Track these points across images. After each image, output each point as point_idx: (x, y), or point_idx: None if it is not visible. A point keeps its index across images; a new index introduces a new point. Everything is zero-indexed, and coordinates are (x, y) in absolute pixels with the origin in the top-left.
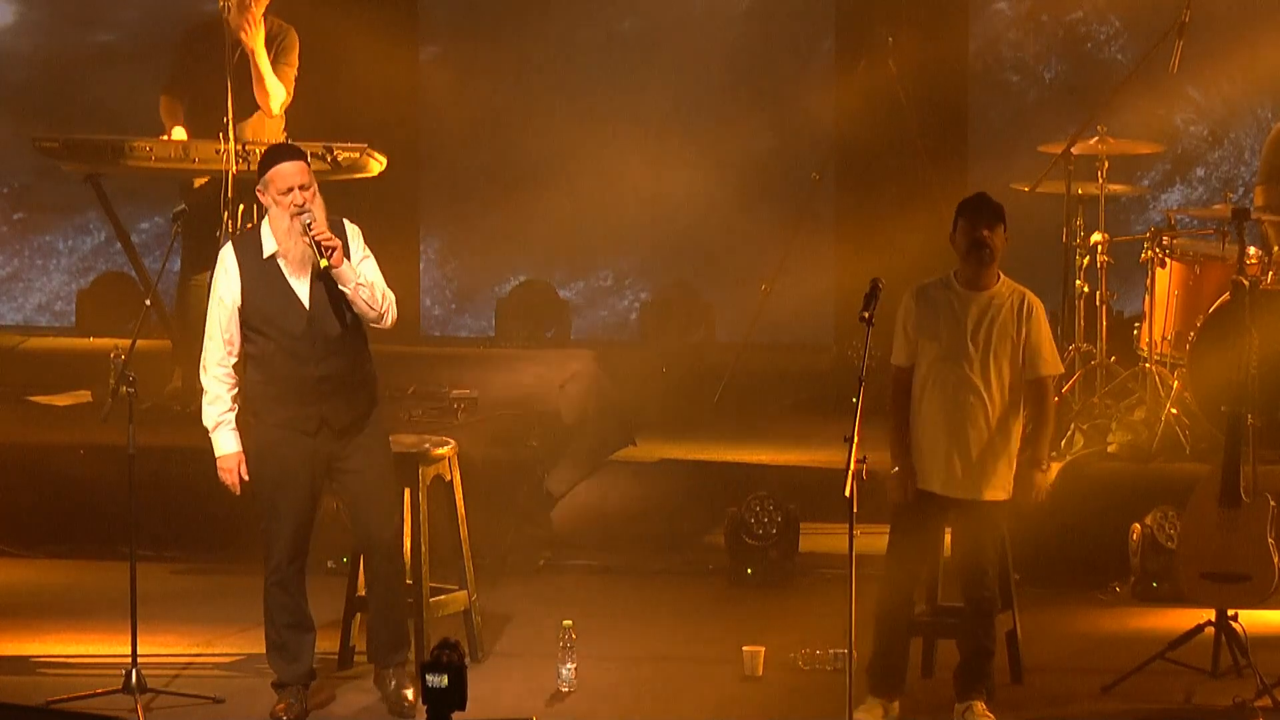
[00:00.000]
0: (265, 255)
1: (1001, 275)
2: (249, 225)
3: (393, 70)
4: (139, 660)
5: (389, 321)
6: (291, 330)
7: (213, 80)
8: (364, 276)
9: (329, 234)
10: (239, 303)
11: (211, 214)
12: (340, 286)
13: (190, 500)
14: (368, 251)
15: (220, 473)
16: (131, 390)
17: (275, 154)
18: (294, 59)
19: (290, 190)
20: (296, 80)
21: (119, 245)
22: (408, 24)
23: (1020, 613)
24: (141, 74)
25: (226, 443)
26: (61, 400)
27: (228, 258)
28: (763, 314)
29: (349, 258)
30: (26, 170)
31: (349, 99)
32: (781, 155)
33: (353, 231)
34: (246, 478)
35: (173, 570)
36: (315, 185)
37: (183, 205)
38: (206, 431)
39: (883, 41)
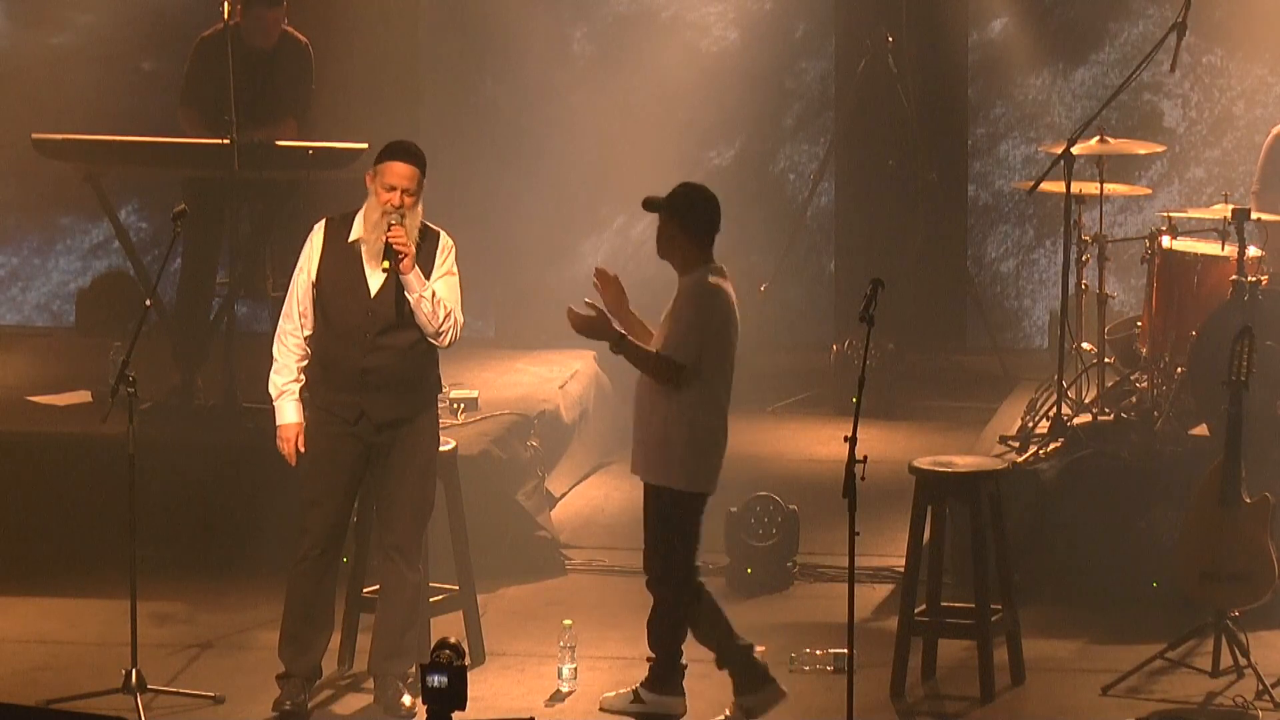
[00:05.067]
0: (351, 239)
1: (701, 263)
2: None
3: (393, 70)
4: (139, 660)
5: (445, 341)
6: (352, 315)
7: (226, 87)
8: (430, 290)
9: (405, 241)
10: (314, 277)
11: (213, 214)
12: (405, 292)
13: (191, 499)
14: (452, 269)
15: (279, 442)
16: (131, 390)
17: (396, 150)
18: (308, 80)
19: (394, 189)
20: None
21: (118, 244)
22: (409, 23)
23: (1020, 612)
24: (109, 75)
25: (288, 412)
26: (61, 400)
27: (316, 233)
28: (762, 314)
29: (429, 269)
30: (25, 169)
31: (349, 98)
32: (781, 154)
33: (444, 245)
34: (304, 449)
35: (173, 570)
36: (420, 194)
37: (183, 205)
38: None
39: (882, 41)
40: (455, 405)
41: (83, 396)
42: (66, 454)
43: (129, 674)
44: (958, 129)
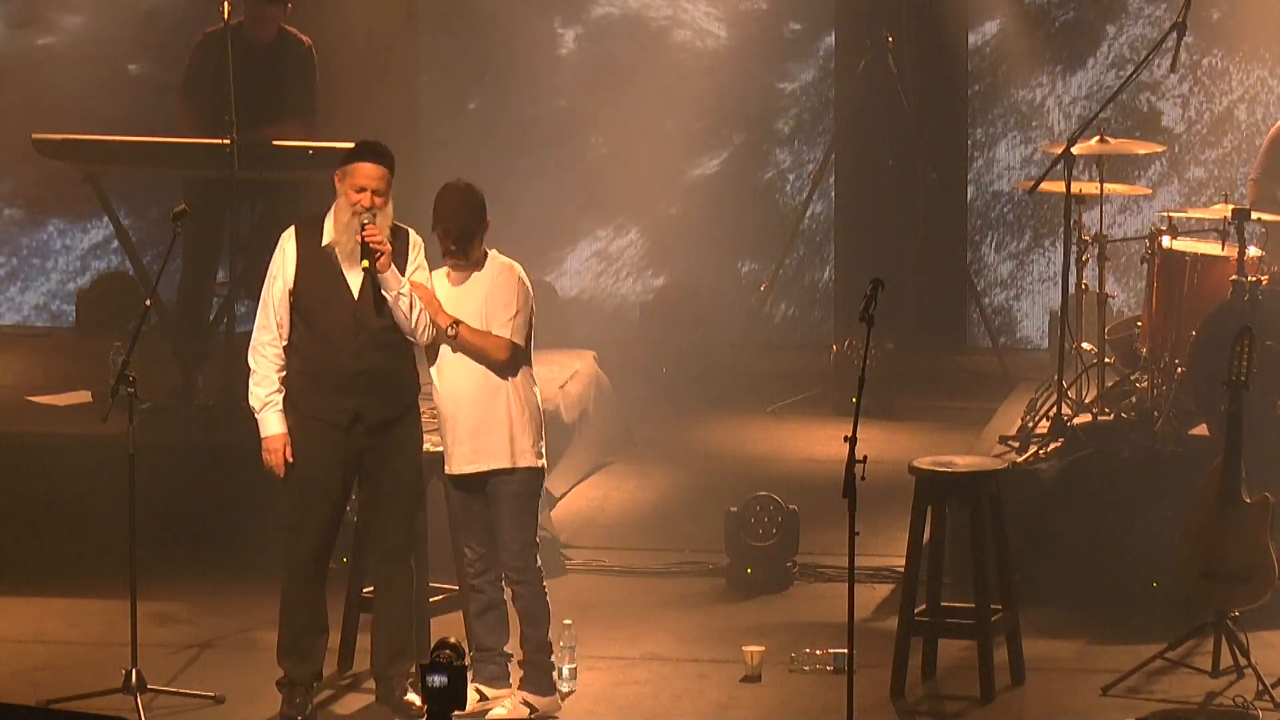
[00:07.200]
0: (324, 243)
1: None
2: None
3: (391, 71)
4: (139, 660)
5: (424, 338)
6: (336, 320)
7: (227, 87)
8: (407, 287)
9: (380, 238)
10: (291, 285)
11: (213, 214)
12: (383, 291)
13: (191, 499)
14: (423, 265)
15: (265, 454)
16: (131, 390)
17: (364, 150)
18: (313, 79)
19: (364, 190)
20: None
21: (118, 244)
22: (408, 23)
23: (1020, 612)
24: (97, 77)
25: (273, 424)
26: (61, 400)
27: (287, 240)
28: (762, 314)
29: (402, 267)
30: (24, 169)
31: (348, 99)
32: (778, 156)
33: (415, 243)
34: (291, 459)
35: (173, 570)
36: (389, 194)
37: (183, 205)
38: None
39: (883, 41)
40: None
41: (83, 396)
42: (66, 454)
43: (129, 674)
44: (958, 129)
